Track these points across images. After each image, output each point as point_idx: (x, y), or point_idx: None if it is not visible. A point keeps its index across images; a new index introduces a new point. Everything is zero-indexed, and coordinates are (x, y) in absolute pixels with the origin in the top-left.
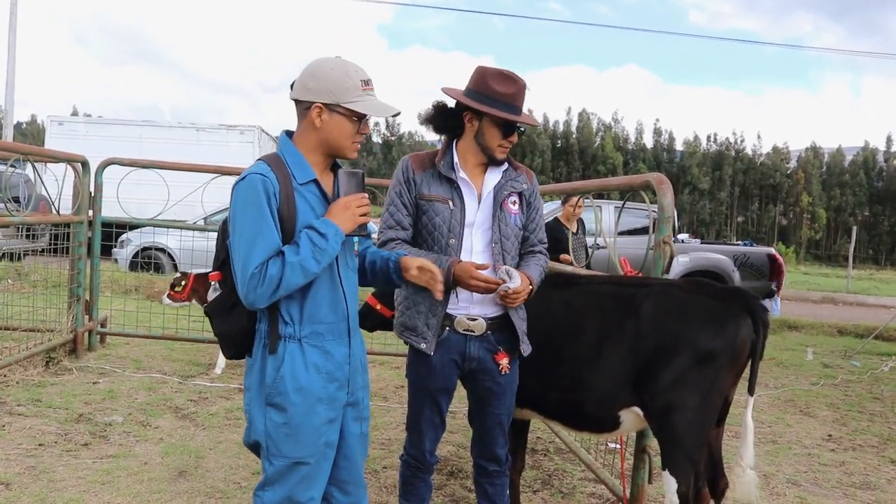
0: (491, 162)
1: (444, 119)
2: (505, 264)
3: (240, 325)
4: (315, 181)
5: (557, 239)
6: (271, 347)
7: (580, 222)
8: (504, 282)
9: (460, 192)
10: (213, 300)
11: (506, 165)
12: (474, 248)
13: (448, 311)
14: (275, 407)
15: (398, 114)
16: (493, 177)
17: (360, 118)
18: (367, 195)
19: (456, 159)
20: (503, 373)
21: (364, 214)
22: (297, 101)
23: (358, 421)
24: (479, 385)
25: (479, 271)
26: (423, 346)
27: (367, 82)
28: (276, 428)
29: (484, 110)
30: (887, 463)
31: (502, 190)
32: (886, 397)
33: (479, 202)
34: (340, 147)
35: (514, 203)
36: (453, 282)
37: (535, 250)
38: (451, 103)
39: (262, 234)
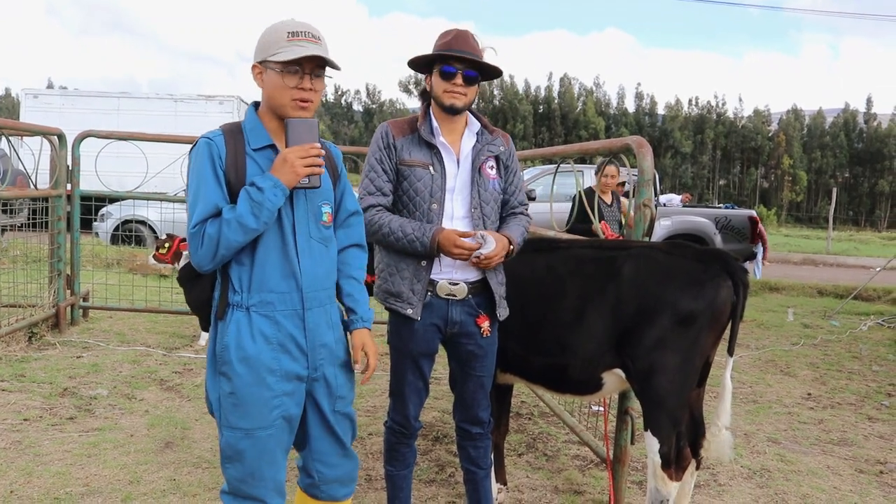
0: (446, 111)
1: (423, 90)
2: (485, 229)
3: (205, 294)
4: (272, 146)
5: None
6: (219, 314)
7: (614, 195)
8: (480, 246)
9: (440, 156)
10: (182, 268)
11: (479, 127)
12: (455, 214)
13: (430, 276)
14: (223, 376)
15: (324, 61)
16: (469, 141)
17: (288, 70)
18: (317, 145)
19: (435, 124)
20: (484, 335)
21: (313, 165)
22: None
23: (332, 399)
24: (462, 349)
25: (462, 239)
26: (409, 311)
27: (295, 34)
28: (224, 397)
29: (420, 58)
30: (864, 420)
31: (479, 154)
32: (865, 356)
33: (458, 167)
34: (279, 104)
35: (491, 168)
36: (437, 250)
37: (517, 212)
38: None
39: (201, 195)
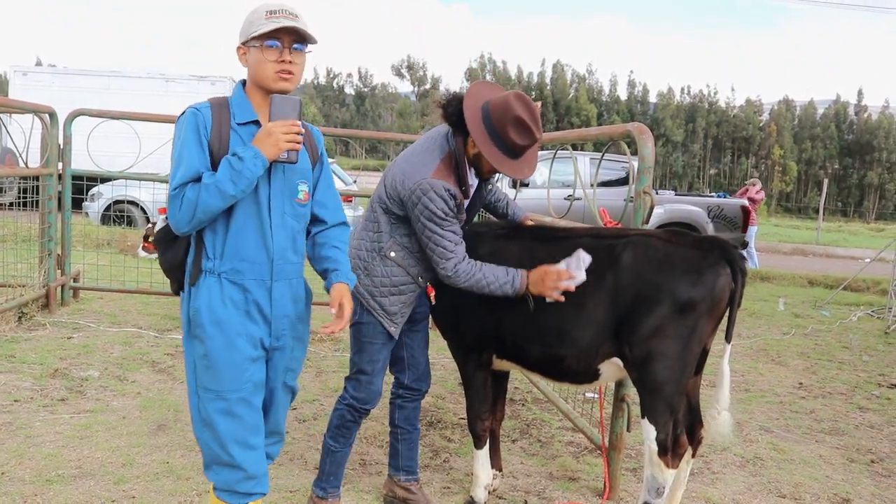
0: (478, 175)
1: (454, 117)
2: None
3: (178, 257)
4: (256, 122)
5: None
6: (192, 280)
7: None
8: None
9: None
10: (158, 230)
11: None
12: None
13: None
14: (196, 339)
15: (300, 34)
16: None
17: (268, 44)
18: (298, 123)
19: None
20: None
21: (294, 141)
22: None
23: (285, 371)
24: (414, 313)
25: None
26: (392, 329)
27: (273, 12)
28: (198, 359)
29: (495, 166)
30: (855, 409)
31: None
32: (855, 346)
33: None
34: (263, 79)
35: None
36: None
37: None
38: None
39: (184, 158)
